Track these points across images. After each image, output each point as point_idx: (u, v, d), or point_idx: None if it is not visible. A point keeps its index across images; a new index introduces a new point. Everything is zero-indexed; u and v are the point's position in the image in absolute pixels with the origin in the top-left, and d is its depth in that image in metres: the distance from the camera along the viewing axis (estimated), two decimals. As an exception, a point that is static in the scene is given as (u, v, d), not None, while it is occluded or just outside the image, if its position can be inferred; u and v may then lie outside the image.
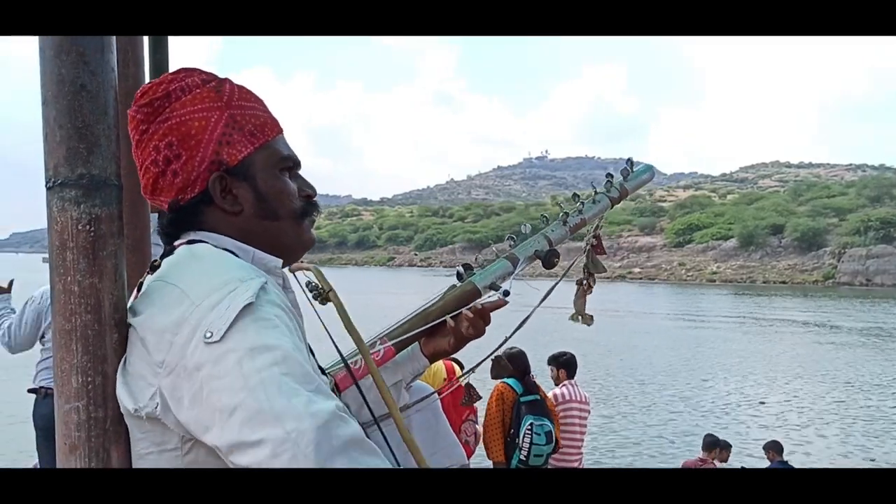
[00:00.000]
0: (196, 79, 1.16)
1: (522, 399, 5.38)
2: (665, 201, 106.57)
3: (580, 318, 1.79)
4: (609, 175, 1.72)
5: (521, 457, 5.25)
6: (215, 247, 1.12)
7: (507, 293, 1.47)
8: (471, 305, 1.44)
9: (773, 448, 7.48)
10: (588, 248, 1.74)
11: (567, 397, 5.94)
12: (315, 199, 1.27)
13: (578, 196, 1.66)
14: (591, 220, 1.68)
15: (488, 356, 1.61)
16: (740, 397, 14.37)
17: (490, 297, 1.47)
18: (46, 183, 1.01)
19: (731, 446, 7.55)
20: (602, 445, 10.75)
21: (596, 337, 22.40)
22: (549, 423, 5.39)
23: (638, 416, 12.63)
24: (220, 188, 1.14)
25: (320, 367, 1.19)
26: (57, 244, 1.01)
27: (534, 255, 1.55)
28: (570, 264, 1.74)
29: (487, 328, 1.47)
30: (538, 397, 5.49)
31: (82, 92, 1.01)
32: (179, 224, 1.16)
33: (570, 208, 1.64)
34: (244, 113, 1.16)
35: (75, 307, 1.00)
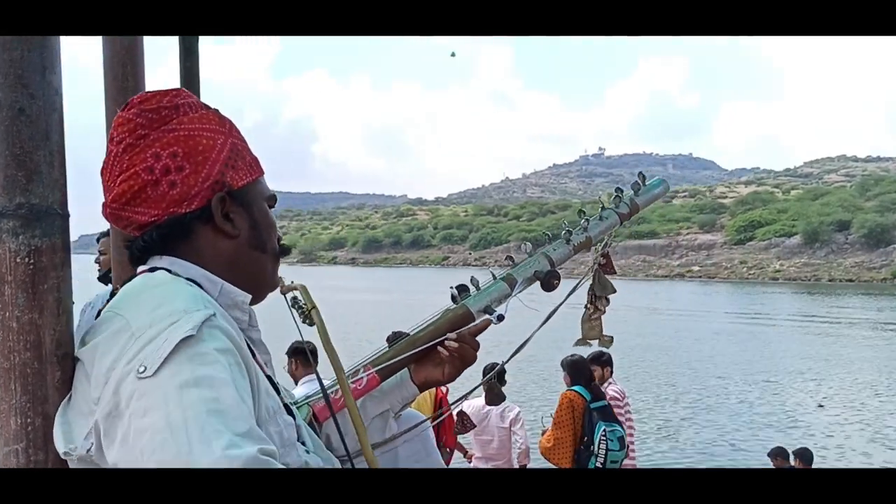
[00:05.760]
0: (197, 101, 1.16)
1: (593, 405, 5.30)
2: (726, 197, 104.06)
3: (594, 342, 1.68)
4: (618, 189, 1.62)
5: (598, 464, 5.14)
6: (177, 275, 1.06)
7: (501, 317, 1.38)
8: (460, 332, 1.35)
9: (781, 455, 7.04)
10: (595, 267, 1.63)
11: (624, 394, 5.83)
12: (284, 243, 1.26)
13: (584, 212, 1.56)
14: (597, 238, 1.58)
15: (483, 381, 1.52)
16: (803, 400, 13.89)
17: (479, 321, 1.38)
18: (-14, 212, 0.96)
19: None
20: (660, 449, 10.51)
21: (652, 338, 21.98)
22: (620, 429, 5.33)
23: (697, 420, 12.30)
24: (221, 209, 1.11)
25: (284, 404, 1.12)
26: (-6, 277, 0.96)
27: (533, 276, 1.45)
28: (576, 285, 1.63)
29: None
30: (606, 403, 5.40)
31: (20, 116, 0.95)
32: (166, 241, 1.10)
33: (574, 225, 1.54)
34: (242, 145, 1.18)
35: (14, 344, 0.95)
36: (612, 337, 1.69)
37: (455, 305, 1.41)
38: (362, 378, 1.34)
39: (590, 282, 1.66)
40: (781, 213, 78.49)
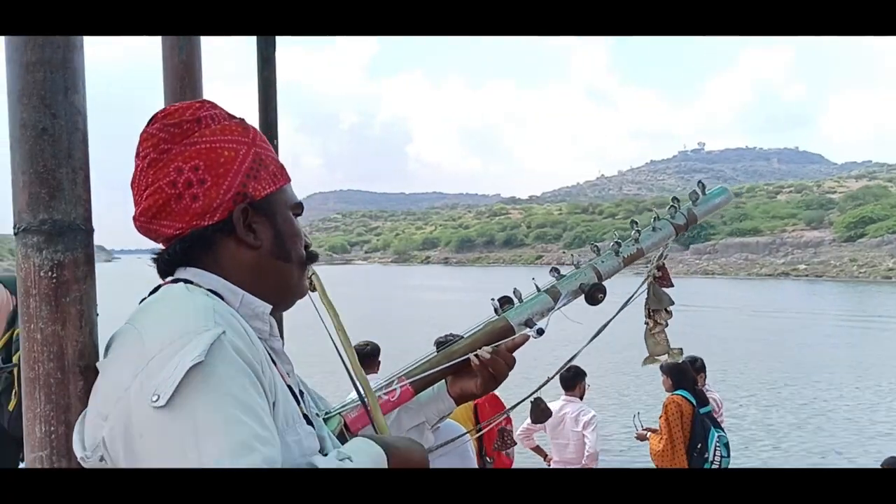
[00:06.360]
0: (222, 112, 1.17)
1: (702, 411, 5.19)
2: (835, 192, 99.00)
3: (662, 357, 1.61)
4: (675, 199, 1.55)
5: None
6: (198, 286, 1.08)
7: (541, 331, 1.34)
8: (495, 345, 1.32)
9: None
10: (650, 280, 1.56)
11: (721, 403, 5.65)
12: (312, 250, 1.26)
13: (636, 223, 1.50)
14: (650, 250, 1.51)
15: (528, 396, 1.49)
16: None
17: (517, 336, 1.35)
18: (13, 229, 1.01)
19: None
20: (764, 457, 10.08)
21: (756, 340, 21.14)
22: (725, 435, 5.23)
23: (805, 427, 11.72)
24: (242, 220, 1.12)
25: (305, 415, 1.12)
26: (22, 291, 1.00)
27: (578, 290, 1.41)
28: (629, 298, 1.56)
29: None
30: (711, 409, 5.26)
31: (43, 136, 0.99)
32: (189, 254, 1.13)
33: (625, 236, 1.49)
34: (266, 154, 1.18)
35: (38, 355, 0.99)
36: (680, 349, 1.62)
37: (496, 317, 1.38)
38: (395, 390, 1.33)
39: (645, 295, 1.59)
40: (895, 208, 73.97)
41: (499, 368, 1.32)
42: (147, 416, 0.90)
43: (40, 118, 0.99)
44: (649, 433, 5.37)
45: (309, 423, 1.12)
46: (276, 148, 4.17)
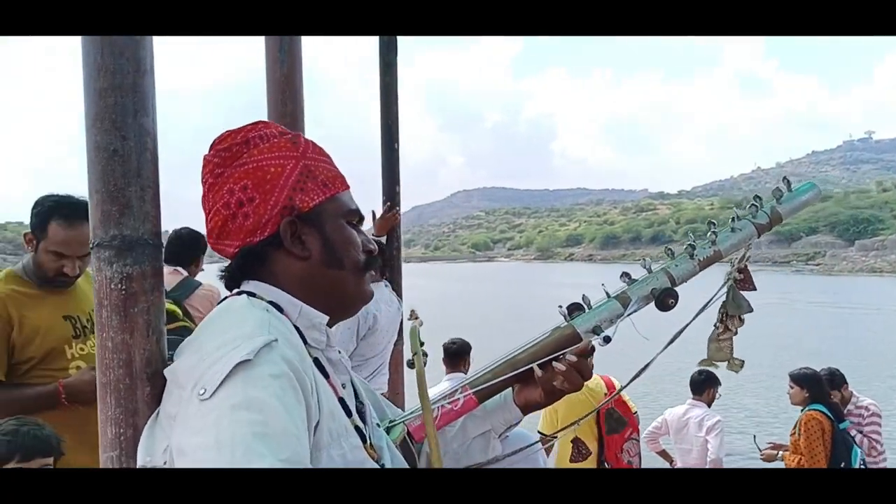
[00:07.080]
0: (274, 130, 1.21)
1: (841, 426, 4.76)
2: None
3: (721, 364, 1.52)
4: (757, 197, 1.44)
5: None
6: (261, 299, 1.13)
7: (608, 339, 1.29)
8: (559, 354, 1.28)
9: None
10: (730, 283, 1.46)
11: (881, 411, 5.18)
12: (376, 254, 1.25)
13: (714, 223, 1.41)
14: (728, 252, 1.41)
15: (588, 414, 1.43)
16: None
17: (582, 344, 1.30)
18: (90, 245, 1.09)
19: None
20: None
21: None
22: (863, 452, 4.80)
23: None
24: (290, 232, 1.15)
25: (357, 427, 1.13)
26: (96, 302, 1.08)
27: (650, 295, 1.34)
28: (708, 301, 1.47)
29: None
30: (849, 425, 4.86)
31: (114, 157, 1.06)
32: (245, 269, 1.18)
33: (701, 238, 1.40)
34: (317, 165, 1.20)
35: (109, 362, 1.06)
36: (742, 361, 1.51)
37: (564, 325, 1.34)
38: (458, 399, 1.32)
39: (723, 299, 1.49)
40: None
41: (573, 380, 1.28)
42: (194, 408, 0.94)
43: (111, 140, 1.06)
44: (780, 451, 4.98)
45: (362, 435, 1.13)
46: (397, 151, 4.25)
